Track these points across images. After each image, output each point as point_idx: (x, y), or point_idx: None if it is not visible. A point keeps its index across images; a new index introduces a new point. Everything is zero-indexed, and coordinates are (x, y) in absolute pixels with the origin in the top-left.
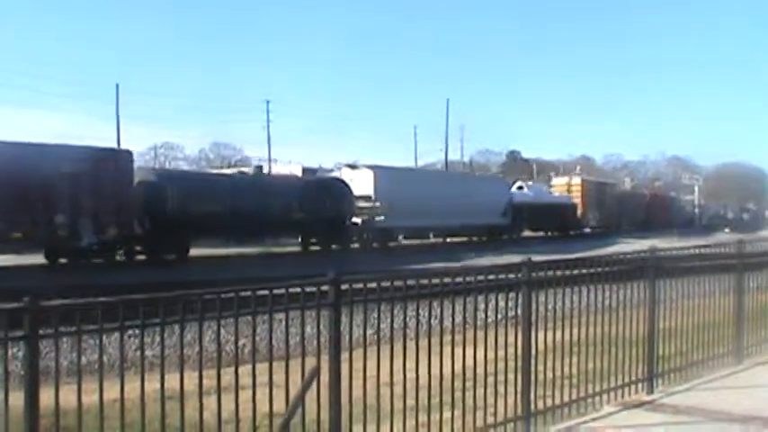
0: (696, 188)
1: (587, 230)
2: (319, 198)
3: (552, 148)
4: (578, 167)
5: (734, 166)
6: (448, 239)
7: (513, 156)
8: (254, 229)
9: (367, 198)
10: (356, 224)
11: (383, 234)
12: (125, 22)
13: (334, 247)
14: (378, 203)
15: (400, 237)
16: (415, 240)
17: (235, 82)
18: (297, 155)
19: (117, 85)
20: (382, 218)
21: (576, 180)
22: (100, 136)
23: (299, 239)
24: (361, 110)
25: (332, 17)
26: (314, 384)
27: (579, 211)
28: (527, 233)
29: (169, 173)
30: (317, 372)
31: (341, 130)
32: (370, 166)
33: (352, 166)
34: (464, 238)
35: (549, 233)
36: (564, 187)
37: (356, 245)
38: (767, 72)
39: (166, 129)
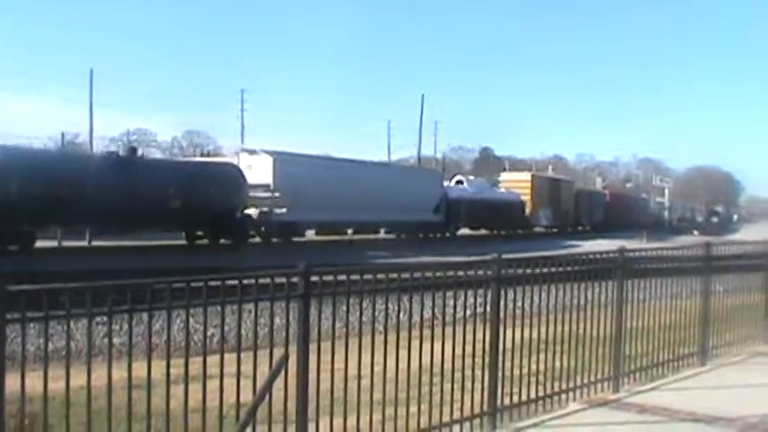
0: (666, 190)
1: (539, 230)
2: (202, 186)
3: (525, 147)
4: (550, 166)
5: (704, 169)
6: (380, 236)
7: (486, 153)
8: (119, 220)
9: (265, 187)
10: (249, 216)
11: (285, 228)
12: (102, 7)
13: (223, 241)
14: (277, 194)
15: (310, 232)
16: (335, 236)
17: (212, 71)
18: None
19: (91, 71)
20: (284, 210)
21: (525, 176)
22: (72, 121)
23: (184, 233)
24: (337, 103)
25: (308, 10)
26: (281, 376)
27: (528, 210)
28: (466, 232)
29: (8, 149)
30: (285, 359)
31: (318, 124)
32: (269, 152)
33: (251, 152)
34: (392, 236)
35: (495, 232)
36: (512, 184)
37: (257, 239)
38: (739, 78)
39: (142, 115)
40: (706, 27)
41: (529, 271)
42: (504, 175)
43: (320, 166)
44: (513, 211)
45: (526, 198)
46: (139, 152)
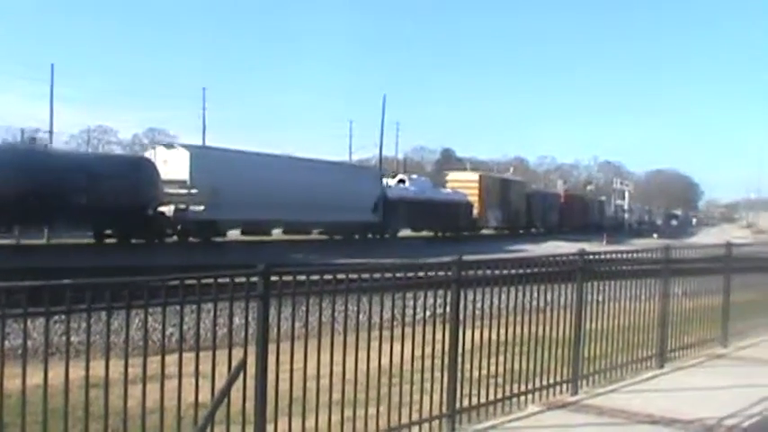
0: (626, 193)
1: (488, 232)
2: (110, 181)
3: (487, 149)
4: (511, 168)
5: (663, 173)
6: (313, 237)
7: (448, 154)
8: (13, 215)
9: (181, 183)
10: (163, 214)
11: (204, 227)
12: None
13: (135, 240)
14: (194, 190)
15: (236, 231)
16: (264, 237)
17: (176, 70)
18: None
19: (52, 66)
20: (201, 208)
21: (473, 176)
22: (32, 117)
23: (92, 230)
24: (301, 103)
25: (273, 9)
26: (240, 376)
27: (476, 211)
28: (408, 233)
29: None
30: (243, 365)
31: (280, 123)
32: (186, 146)
33: (168, 146)
34: (326, 237)
35: (440, 234)
36: (460, 184)
37: (174, 238)
38: (698, 82)
39: (105, 112)
40: (665, 33)
41: (489, 272)
42: (451, 175)
43: (244, 162)
44: (459, 212)
45: (474, 198)
46: (99, 148)
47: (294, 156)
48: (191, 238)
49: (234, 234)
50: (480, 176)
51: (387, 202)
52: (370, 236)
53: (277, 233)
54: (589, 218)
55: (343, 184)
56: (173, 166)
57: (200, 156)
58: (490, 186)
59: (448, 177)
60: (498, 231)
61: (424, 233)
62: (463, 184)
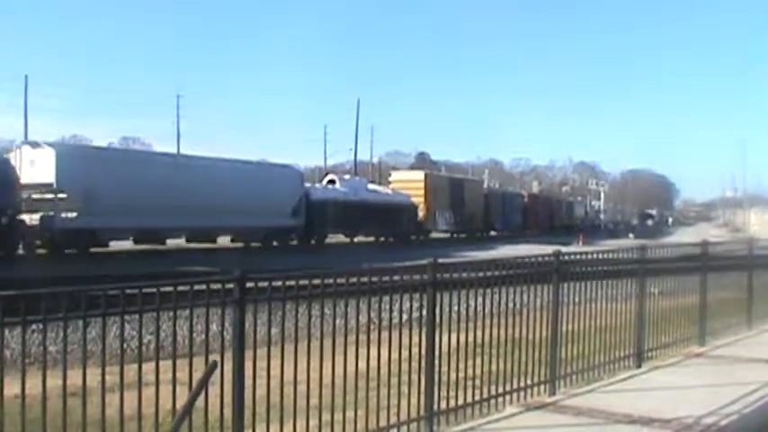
0: (602, 194)
1: (440, 236)
2: None
3: (462, 152)
4: (486, 170)
5: (638, 172)
6: (224, 245)
7: (423, 157)
8: None
9: (47, 187)
10: (21, 222)
11: (80, 237)
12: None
13: None
14: (63, 194)
15: (127, 241)
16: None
17: (150, 78)
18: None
19: (26, 77)
20: (74, 215)
21: (418, 175)
22: (6, 128)
23: None
24: (276, 109)
25: (246, 15)
26: (218, 383)
27: (422, 213)
28: (340, 239)
29: None
30: (214, 366)
31: (256, 129)
32: (54, 144)
33: (34, 144)
34: (240, 244)
35: (379, 239)
36: (403, 184)
37: (42, 250)
38: (672, 80)
39: (80, 122)
40: (638, 33)
41: (465, 275)
42: (394, 175)
43: (129, 162)
44: (401, 215)
45: (419, 200)
46: None
47: (196, 155)
48: (66, 250)
49: (128, 244)
50: (426, 175)
51: (310, 205)
52: (292, 242)
53: (179, 241)
54: (556, 219)
55: (255, 185)
56: (39, 168)
57: (69, 155)
58: (438, 186)
59: (391, 178)
60: (453, 235)
61: (361, 238)
62: (407, 185)
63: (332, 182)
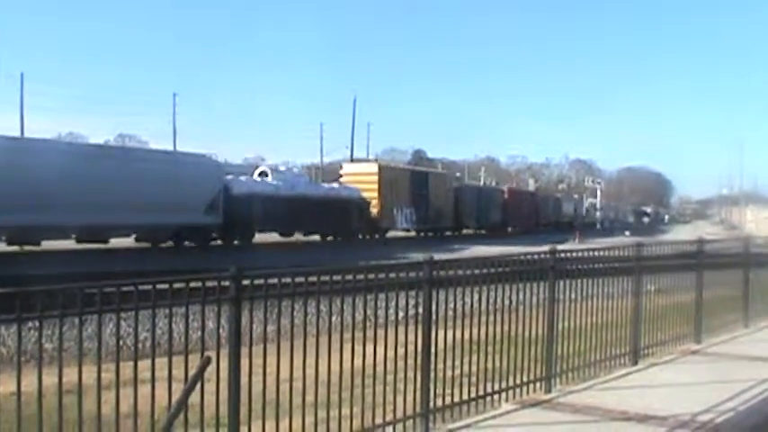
0: (598, 191)
1: (401, 234)
2: None
3: (459, 149)
4: (483, 168)
5: (634, 170)
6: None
7: (419, 155)
8: None
9: None
10: None
11: None
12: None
13: None
14: None
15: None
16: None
17: (147, 76)
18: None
19: (21, 74)
20: None
21: (371, 168)
22: (2, 125)
23: None
24: (274, 107)
25: (239, 14)
26: (213, 380)
27: (375, 209)
28: (275, 238)
29: None
30: (207, 361)
31: (254, 127)
32: None
33: None
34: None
35: (325, 238)
36: (355, 177)
37: None
38: (669, 78)
39: (74, 120)
40: (635, 31)
41: (460, 272)
42: (345, 168)
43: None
44: (348, 212)
45: (372, 194)
46: None
47: (85, 142)
48: None
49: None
50: (379, 167)
51: (231, 200)
52: (213, 242)
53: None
54: (542, 216)
55: (159, 177)
56: None
57: None
58: (395, 180)
59: (342, 171)
60: (421, 234)
61: (304, 238)
62: (359, 178)
63: (263, 174)
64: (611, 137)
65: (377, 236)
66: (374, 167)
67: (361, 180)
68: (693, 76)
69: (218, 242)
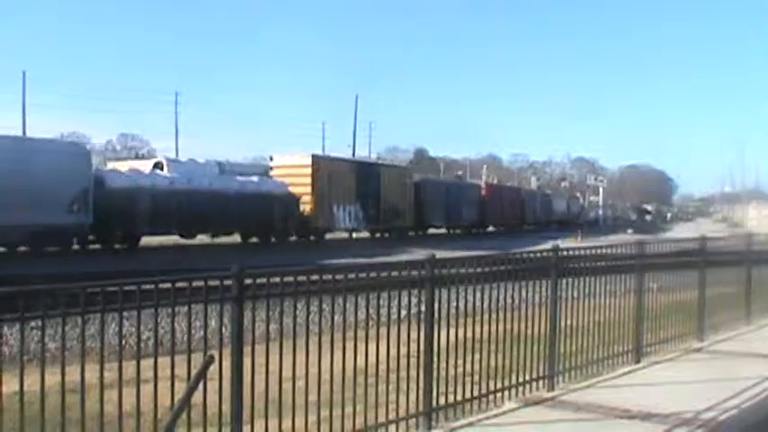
0: (601, 189)
1: (361, 235)
2: None
3: (461, 148)
4: (485, 167)
5: (637, 168)
6: None
7: (421, 154)
8: None
9: None
10: None
11: None
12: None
13: None
14: None
15: None
16: None
17: (149, 75)
18: (208, 148)
19: (24, 74)
20: None
21: (303, 160)
22: (5, 125)
23: None
24: (276, 105)
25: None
26: (216, 378)
27: (308, 207)
28: (175, 239)
29: None
30: (211, 360)
31: (256, 125)
32: None
33: None
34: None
35: (247, 240)
36: (287, 170)
37: None
38: (670, 76)
39: (76, 119)
40: (636, 29)
41: (463, 271)
42: (276, 160)
43: None
44: (270, 209)
45: (305, 190)
46: None
47: None
48: None
49: None
50: (314, 159)
51: (106, 196)
52: (87, 244)
53: None
54: (528, 215)
55: (3, 169)
56: None
57: None
58: (335, 173)
59: (272, 163)
60: (376, 235)
61: (224, 239)
62: (290, 171)
63: (158, 165)
64: (614, 135)
65: (312, 237)
66: (307, 159)
67: (293, 174)
68: (696, 73)
69: (98, 245)
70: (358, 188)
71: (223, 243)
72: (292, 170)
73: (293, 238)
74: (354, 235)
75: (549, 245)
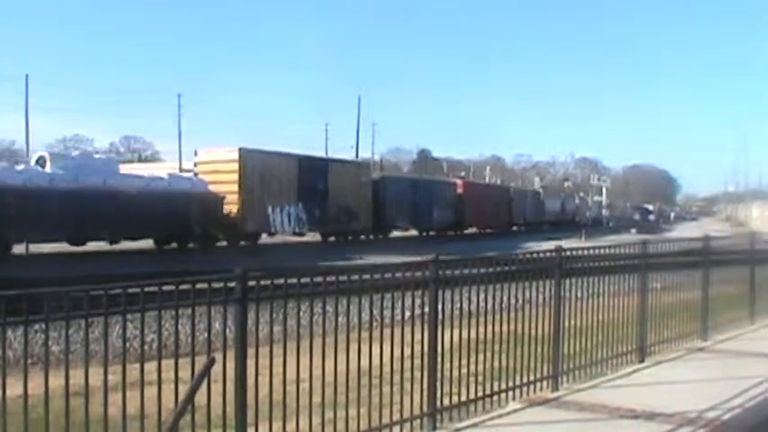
0: (604, 189)
1: (311, 239)
2: None
3: (464, 149)
4: (488, 167)
5: (640, 168)
6: None
7: (424, 154)
8: None
9: None
10: None
11: None
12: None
13: None
14: None
15: None
16: None
17: (151, 76)
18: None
19: (26, 76)
20: None
21: (229, 154)
22: (7, 128)
23: None
24: (280, 106)
25: (244, 14)
26: (220, 380)
27: (234, 207)
28: (58, 248)
29: None
30: (213, 361)
31: (259, 126)
32: None
33: None
34: None
35: (161, 245)
36: (212, 167)
37: None
38: (673, 76)
39: (79, 122)
40: (639, 29)
41: (466, 272)
42: (201, 155)
43: None
44: (184, 211)
45: (231, 188)
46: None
47: None
48: None
49: None
50: (241, 153)
51: None
52: None
53: None
54: (516, 215)
55: None
56: None
57: None
58: (270, 170)
59: (197, 158)
60: (331, 239)
61: (133, 245)
62: (215, 167)
63: (40, 161)
64: (617, 135)
65: (243, 242)
66: (233, 153)
67: (219, 170)
68: (699, 73)
69: None
70: (300, 186)
71: (128, 249)
72: (218, 166)
73: (224, 243)
74: (304, 239)
75: (530, 247)
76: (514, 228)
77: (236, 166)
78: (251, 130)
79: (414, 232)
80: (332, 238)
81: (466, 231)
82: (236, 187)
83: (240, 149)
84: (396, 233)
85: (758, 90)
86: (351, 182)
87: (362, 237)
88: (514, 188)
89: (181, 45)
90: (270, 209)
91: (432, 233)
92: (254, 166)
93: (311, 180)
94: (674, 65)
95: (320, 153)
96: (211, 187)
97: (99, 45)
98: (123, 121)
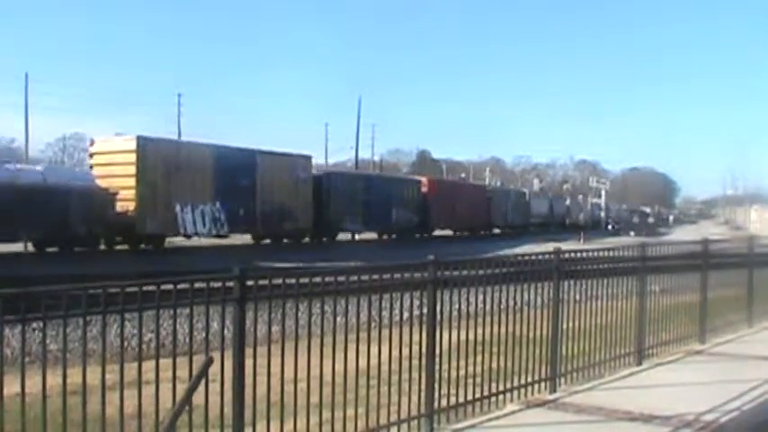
0: (603, 192)
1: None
2: None
3: (464, 150)
4: (488, 168)
5: (639, 171)
6: None
7: (423, 155)
8: None
9: None
10: None
11: None
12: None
13: None
14: None
15: None
16: None
17: (152, 76)
18: None
19: (26, 75)
20: None
21: (126, 144)
22: (7, 126)
23: None
24: (279, 107)
25: (245, 14)
26: (218, 380)
27: (131, 205)
28: None
29: None
30: (210, 361)
31: (259, 127)
32: None
33: None
34: None
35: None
36: (109, 158)
37: None
38: (673, 79)
39: (79, 120)
40: (638, 32)
41: (465, 273)
42: (98, 144)
43: None
44: (65, 208)
45: (127, 182)
46: (75, 156)
47: None
48: None
49: None
50: (141, 142)
51: None
52: None
53: None
54: (497, 217)
55: None
56: None
57: None
58: (175, 162)
59: (91, 149)
60: (264, 241)
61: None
62: (111, 159)
63: None
64: (617, 138)
65: (144, 245)
66: (131, 143)
67: (115, 162)
68: (699, 76)
69: None
70: (218, 182)
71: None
72: (114, 157)
73: (125, 247)
74: (225, 242)
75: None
76: (497, 230)
77: (133, 158)
78: (251, 130)
79: (372, 235)
80: (267, 241)
81: (436, 234)
82: (133, 181)
83: (139, 137)
84: (345, 236)
85: (758, 94)
86: (285, 177)
87: (306, 239)
88: (494, 187)
89: (180, 44)
90: (178, 207)
91: (393, 236)
92: (156, 157)
93: (233, 175)
94: (675, 68)
95: (320, 153)
96: (106, 181)
97: (98, 43)
98: (123, 120)
